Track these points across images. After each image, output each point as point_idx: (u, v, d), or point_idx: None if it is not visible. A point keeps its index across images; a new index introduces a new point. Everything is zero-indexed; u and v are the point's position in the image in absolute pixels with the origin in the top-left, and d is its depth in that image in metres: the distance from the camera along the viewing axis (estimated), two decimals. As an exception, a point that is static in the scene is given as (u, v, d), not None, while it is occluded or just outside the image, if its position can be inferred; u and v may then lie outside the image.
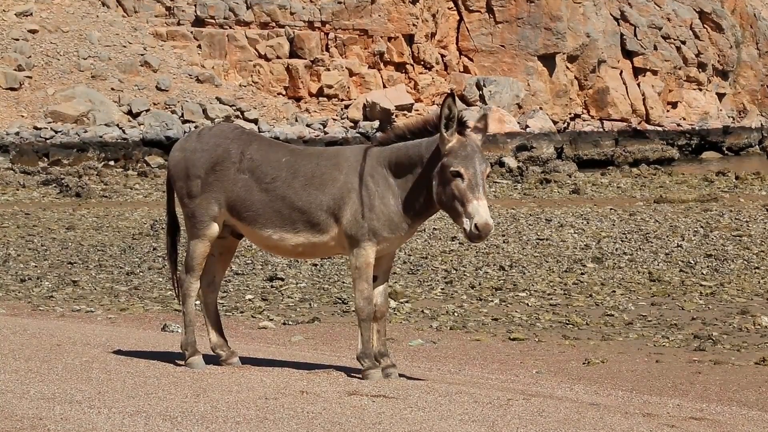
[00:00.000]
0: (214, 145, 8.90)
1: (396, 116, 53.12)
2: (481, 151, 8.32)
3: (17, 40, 51.87)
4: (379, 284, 8.67)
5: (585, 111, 59.71)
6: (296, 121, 52.75)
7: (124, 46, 53.61)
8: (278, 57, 54.74)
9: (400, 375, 8.73)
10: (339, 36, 55.25)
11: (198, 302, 9.27)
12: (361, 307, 8.54)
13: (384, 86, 55.24)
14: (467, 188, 8.16)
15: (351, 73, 54.99)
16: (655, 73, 61.99)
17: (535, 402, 8.12)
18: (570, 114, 58.90)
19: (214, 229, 8.81)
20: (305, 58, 54.72)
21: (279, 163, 8.72)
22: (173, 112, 50.96)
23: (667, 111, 62.31)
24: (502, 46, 58.23)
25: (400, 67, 55.91)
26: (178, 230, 9.23)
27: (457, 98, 8.88)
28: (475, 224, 8.10)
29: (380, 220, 8.44)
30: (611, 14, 61.92)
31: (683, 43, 63.64)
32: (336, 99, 54.34)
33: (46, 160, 45.96)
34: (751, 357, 11.71)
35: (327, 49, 55.35)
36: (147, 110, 50.27)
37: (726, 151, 61.23)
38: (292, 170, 8.70)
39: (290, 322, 13.49)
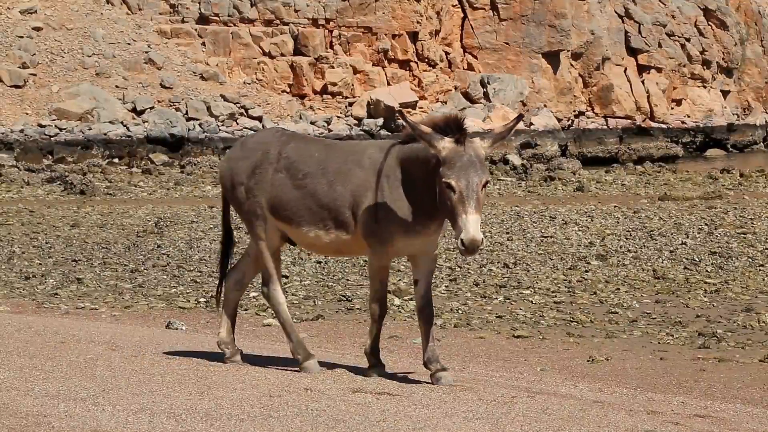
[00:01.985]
0: (254, 150, 8.83)
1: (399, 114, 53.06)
2: (480, 161, 7.97)
3: (21, 37, 51.89)
4: (419, 288, 8.44)
5: (589, 108, 59.66)
6: (300, 118, 52.75)
7: (129, 44, 53.62)
8: (282, 54, 54.74)
9: (406, 374, 8.73)
10: (343, 33, 55.24)
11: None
12: (372, 309, 8.48)
13: (388, 84, 55.23)
14: (458, 201, 7.86)
15: (355, 71, 54.97)
16: (659, 70, 61.94)
17: (539, 399, 8.12)
18: (574, 111, 58.86)
19: (270, 232, 8.74)
20: (309, 56, 54.71)
21: (311, 158, 8.60)
22: (177, 109, 50.97)
23: (672, 108, 62.25)
24: (507, 43, 58.20)
25: (405, 64, 55.89)
26: (231, 243, 9.33)
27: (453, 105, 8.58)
28: (461, 240, 7.82)
29: (393, 223, 8.21)
30: (615, 11, 61.87)
31: (688, 40, 63.58)
32: (340, 96, 54.34)
33: (50, 157, 46.00)
34: (756, 354, 11.70)
35: (331, 47, 55.34)
36: (151, 108, 50.28)
37: (730, 149, 61.18)
38: (322, 166, 8.56)
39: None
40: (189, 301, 14.73)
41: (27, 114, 48.88)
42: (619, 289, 15.72)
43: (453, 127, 8.02)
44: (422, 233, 8.22)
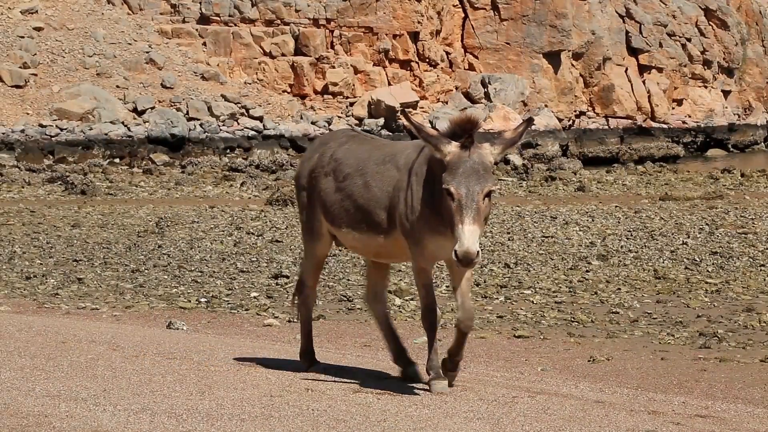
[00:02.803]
0: (314, 152, 8.70)
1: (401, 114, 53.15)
2: (485, 168, 7.58)
3: (22, 37, 51.89)
4: (456, 297, 8.09)
5: (590, 108, 59.65)
6: (301, 118, 52.75)
7: (129, 44, 53.62)
8: (283, 54, 54.74)
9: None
10: (344, 33, 55.23)
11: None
12: (422, 316, 8.12)
13: (389, 84, 55.23)
14: (456, 210, 7.49)
15: (356, 71, 54.98)
16: (660, 70, 61.93)
17: (540, 399, 8.11)
18: (575, 111, 58.85)
19: (321, 241, 8.60)
20: (310, 56, 54.71)
21: (354, 159, 8.39)
22: (178, 109, 50.98)
23: (673, 108, 62.24)
24: (507, 43, 58.19)
25: (405, 64, 55.89)
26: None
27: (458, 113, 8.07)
28: (455, 251, 7.44)
29: (420, 221, 7.86)
30: (616, 11, 61.85)
31: (689, 40, 63.57)
32: (341, 96, 54.34)
33: (51, 157, 46.00)
34: (757, 354, 11.70)
35: (332, 47, 55.34)
36: (152, 108, 50.28)
37: (731, 149, 61.17)
38: (361, 166, 8.32)
39: (295, 320, 13.47)
40: (190, 301, 14.73)
41: (28, 114, 48.89)
42: (620, 289, 15.71)
43: (462, 131, 7.70)
44: (449, 234, 7.71)
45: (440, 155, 7.68)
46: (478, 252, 7.46)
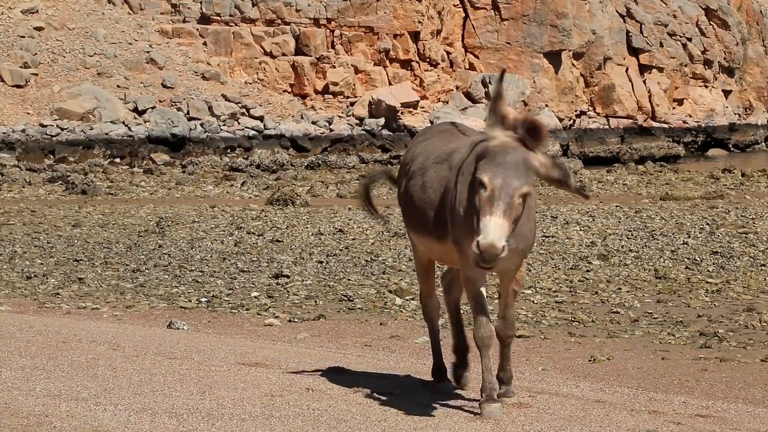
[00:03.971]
0: (407, 148, 8.14)
1: (401, 113, 53.15)
2: (527, 167, 6.82)
3: (23, 37, 51.90)
4: (500, 306, 7.54)
5: (591, 108, 59.66)
6: (302, 118, 52.75)
7: (130, 44, 53.63)
8: (284, 54, 54.75)
9: (407, 374, 8.70)
10: (344, 33, 55.24)
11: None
12: (474, 333, 7.33)
13: (389, 83, 55.23)
14: (486, 200, 6.69)
15: (356, 71, 54.97)
16: (661, 70, 61.93)
17: (540, 399, 8.11)
18: (576, 111, 58.85)
19: (416, 240, 7.86)
20: (311, 56, 54.71)
21: (423, 157, 7.73)
22: (179, 109, 50.98)
23: (673, 108, 62.24)
24: (508, 43, 58.19)
25: (406, 64, 55.89)
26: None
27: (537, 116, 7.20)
28: (476, 242, 6.63)
29: (464, 227, 7.07)
30: (617, 11, 61.86)
31: (689, 40, 63.57)
32: (341, 96, 54.34)
33: (52, 157, 46.01)
34: (757, 354, 11.70)
35: (332, 47, 55.34)
36: (153, 107, 50.29)
37: (732, 148, 61.18)
38: (423, 165, 7.67)
39: (296, 320, 13.49)
40: (190, 301, 14.73)
41: (28, 114, 48.89)
42: (620, 288, 15.71)
43: (525, 129, 6.92)
44: None
45: (485, 135, 6.97)
46: (503, 247, 6.62)
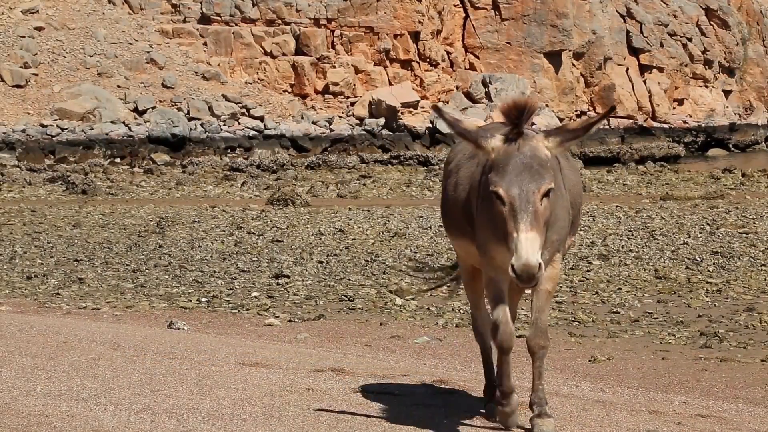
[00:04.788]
0: (451, 148, 7.72)
1: (402, 113, 53.15)
2: (540, 163, 6.33)
3: (23, 37, 51.92)
4: (532, 310, 7.04)
5: (591, 108, 59.67)
6: (302, 118, 52.76)
7: (130, 44, 53.65)
8: (284, 54, 54.77)
9: (407, 374, 8.69)
10: (345, 33, 55.25)
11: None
12: (491, 334, 6.91)
13: (390, 83, 55.26)
14: (509, 215, 6.24)
15: (357, 71, 54.99)
16: (661, 70, 61.95)
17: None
18: (576, 111, 58.87)
19: (454, 243, 7.46)
20: (311, 56, 54.73)
21: (461, 154, 7.30)
22: (179, 109, 51.00)
23: (674, 108, 62.27)
24: (508, 43, 58.21)
25: (406, 64, 55.91)
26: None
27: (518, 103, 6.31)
28: (512, 266, 6.19)
29: (484, 227, 6.69)
30: (617, 11, 61.88)
31: (689, 40, 63.58)
32: (342, 96, 54.36)
33: (52, 157, 46.03)
34: (758, 354, 11.70)
35: (333, 47, 55.36)
36: (153, 107, 50.31)
37: (732, 149, 61.18)
38: (458, 162, 7.29)
39: (296, 320, 13.48)
40: (191, 301, 14.73)
41: (29, 114, 48.90)
42: (620, 288, 15.71)
43: (509, 120, 6.48)
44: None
45: (484, 153, 6.48)
46: (540, 265, 6.20)
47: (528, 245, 6.15)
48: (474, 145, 6.49)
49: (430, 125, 52.66)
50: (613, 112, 6.22)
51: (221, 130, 50.58)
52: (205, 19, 55.19)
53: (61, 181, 34.11)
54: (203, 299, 14.86)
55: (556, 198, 6.57)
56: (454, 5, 58.38)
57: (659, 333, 12.89)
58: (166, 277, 16.78)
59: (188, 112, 50.86)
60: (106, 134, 48.13)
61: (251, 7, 55.14)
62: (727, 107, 64.77)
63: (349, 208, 26.52)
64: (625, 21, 61.98)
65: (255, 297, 15.09)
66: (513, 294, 7.19)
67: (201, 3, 55.20)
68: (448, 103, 55.52)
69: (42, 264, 18.03)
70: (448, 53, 57.77)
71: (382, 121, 52.99)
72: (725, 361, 11.34)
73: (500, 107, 6.59)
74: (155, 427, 6.67)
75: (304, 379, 8.34)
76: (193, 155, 46.57)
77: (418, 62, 56.11)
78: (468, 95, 56.29)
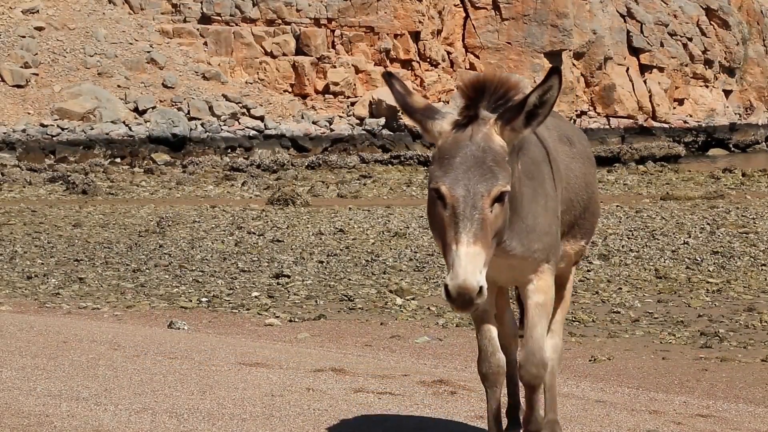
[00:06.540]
0: None
1: (402, 113, 53.15)
2: (494, 157, 5.02)
3: (24, 37, 51.92)
4: (524, 332, 6.06)
5: (591, 108, 59.68)
6: (302, 118, 52.78)
7: (131, 44, 53.66)
8: (284, 54, 54.77)
9: (407, 374, 8.68)
10: (345, 33, 55.25)
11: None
12: (477, 368, 6.03)
13: (390, 83, 55.27)
14: (449, 222, 4.96)
15: (357, 71, 55.00)
16: (661, 70, 61.96)
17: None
18: (576, 111, 58.88)
19: None
20: (311, 56, 54.74)
21: None
22: (179, 109, 51.01)
23: (674, 108, 62.27)
24: (509, 43, 58.21)
25: (407, 64, 55.92)
26: None
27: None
28: (444, 285, 4.91)
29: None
30: (617, 11, 61.88)
31: (690, 39, 63.59)
32: (342, 96, 54.37)
33: (52, 157, 46.04)
34: (758, 354, 11.69)
35: (333, 47, 55.37)
36: (153, 107, 50.32)
37: (733, 148, 61.19)
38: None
39: (296, 320, 13.48)
40: (191, 301, 14.73)
41: (29, 114, 48.90)
42: (621, 288, 15.70)
43: (466, 99, 5.17)
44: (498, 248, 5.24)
45: (429, 137, 5.18)
46: (481, 288, 4.88)
47: (467, 262, 4.86)
48: (419, 126, 5.23)
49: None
50: (556, 75, 5.07)
51: (221, 130, 50.59)
52: (205, 19, 55.19)
53: (62, 181, 34.11)
54: (203, 299, 14.85)
55: (534, 195, 5.49)
56: (455, 5, 58.38)
57: (659, 333, 12.89)
58: (167, 277, 16.78)
59: (188, 112, 50.87)
60: (107, 134, 48.14)
61: (251, 7, 55.14)
62: (728, 107, 64.78)
63: (350, 208, 26.52)
64: (625, 21, 61.98)
65: (255, 297, 15.08)
66: (498, 298, 6.15)
67: (201, 3, 55.20)
68: (448, 103, 55.54)
69: (42, 264, 18.03)
70: (449, 53, 57.78)
71: (382, 120, 53.00)
72: (725, 361, 11.34)
73: (461, 85, 5.33)
74: (155, 427, 6.67)
75: (305, 379, 8.33)
76: (194, 155, 46.58)
77: (419, 62, 56.11)
78: (468, 95, 56.34)
